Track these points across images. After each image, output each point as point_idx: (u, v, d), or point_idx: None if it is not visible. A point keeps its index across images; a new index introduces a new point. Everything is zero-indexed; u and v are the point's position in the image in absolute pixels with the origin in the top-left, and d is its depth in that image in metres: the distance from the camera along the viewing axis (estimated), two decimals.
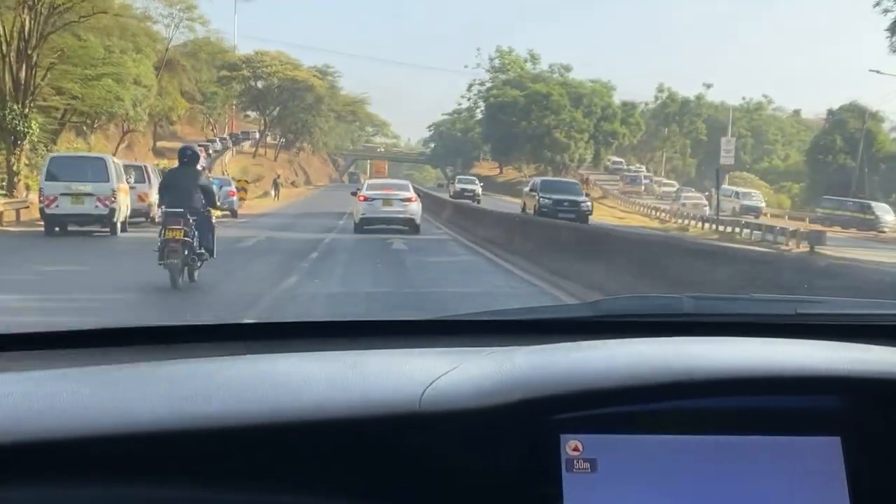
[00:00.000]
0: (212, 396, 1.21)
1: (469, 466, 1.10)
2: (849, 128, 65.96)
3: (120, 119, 50.07)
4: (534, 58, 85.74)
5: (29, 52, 32.81)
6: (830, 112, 70.26)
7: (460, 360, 1.31)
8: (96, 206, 21.91)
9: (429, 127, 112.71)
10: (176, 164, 12.83)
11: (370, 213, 25.64)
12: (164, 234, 11.71)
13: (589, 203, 34.32)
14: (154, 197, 24.35)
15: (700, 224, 43.81)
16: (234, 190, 34.57)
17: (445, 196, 46.39)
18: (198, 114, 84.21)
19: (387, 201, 25.88)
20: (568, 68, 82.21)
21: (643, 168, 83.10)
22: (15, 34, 32.60)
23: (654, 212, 57.22)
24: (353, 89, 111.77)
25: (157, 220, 20.23)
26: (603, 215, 49.45)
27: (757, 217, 44.15)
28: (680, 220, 49.16)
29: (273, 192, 51.14)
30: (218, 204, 13.56)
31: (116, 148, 53.34)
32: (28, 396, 1.24)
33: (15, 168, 31.47)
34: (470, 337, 1.71)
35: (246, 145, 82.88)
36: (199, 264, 12.28)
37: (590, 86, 78.46)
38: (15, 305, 9.85)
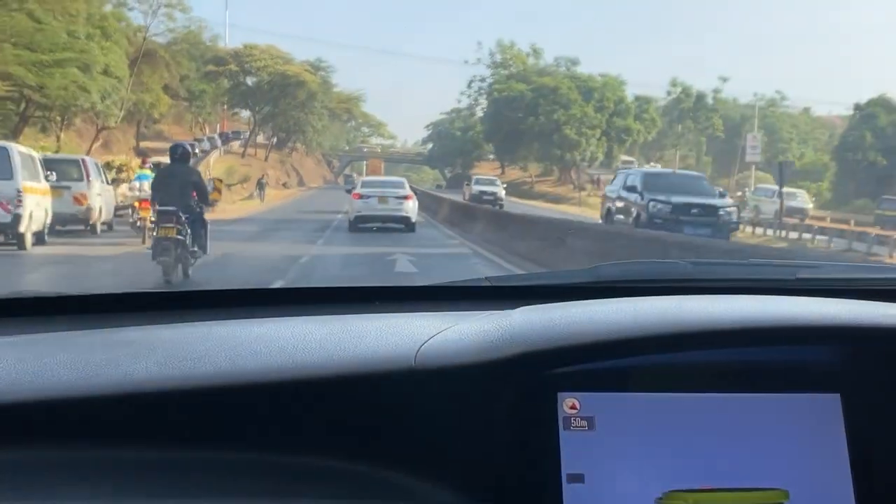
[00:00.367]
0: (207, 357, 1.21)
1: (466, 425, 1.10)
2: (879, 122, 60.72)
3: (89, 113, 44.63)
4: (536, 52, 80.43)
5: None
6: (858, 107, 65.01)
7: (457, 320, 1.30)
8: None
9: (426, 127, 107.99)
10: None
11: (365, 210, 24.99)
12: (157, 232, 11.75)
13: (734, 209, 23.30)
14: (95, 200, 20.53)
15: (752, 229, 38.25)
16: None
17: (454, 197, 41.43)
18: (186, 112, 79.42)
19: (382, 199, 25.21)
20: (575, 62, 76.81)
21: (658, 167, 77.40)
22: None
23: None
24: (348, 86, 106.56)
25: (99, 229, 18.73)
26: None
27: (803, 220, 38.61)
28: None
29: (257, 194, 45.50)
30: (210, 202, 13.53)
31: (90, 147, 48.26)
32: (21, 359, 1.26)
33: None
34: (467, 302, 1.67)
35: (235, 145, 77.59)
36: (192, 262, 12.22)
37: (600, 79, 72.93)
38: None
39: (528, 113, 70.49)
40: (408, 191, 26.46)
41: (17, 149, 17.85)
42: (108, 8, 45.74)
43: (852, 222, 43.73)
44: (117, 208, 24.38)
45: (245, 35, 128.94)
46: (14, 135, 35.33)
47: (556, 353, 1.12)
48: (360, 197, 25.66)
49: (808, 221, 40.76)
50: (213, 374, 1.16)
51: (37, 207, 17.39)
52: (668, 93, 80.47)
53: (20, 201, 16.56)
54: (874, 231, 34.66)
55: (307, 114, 78.12)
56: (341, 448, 1.09)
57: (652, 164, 77.56)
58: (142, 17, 58.39)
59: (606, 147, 71.83)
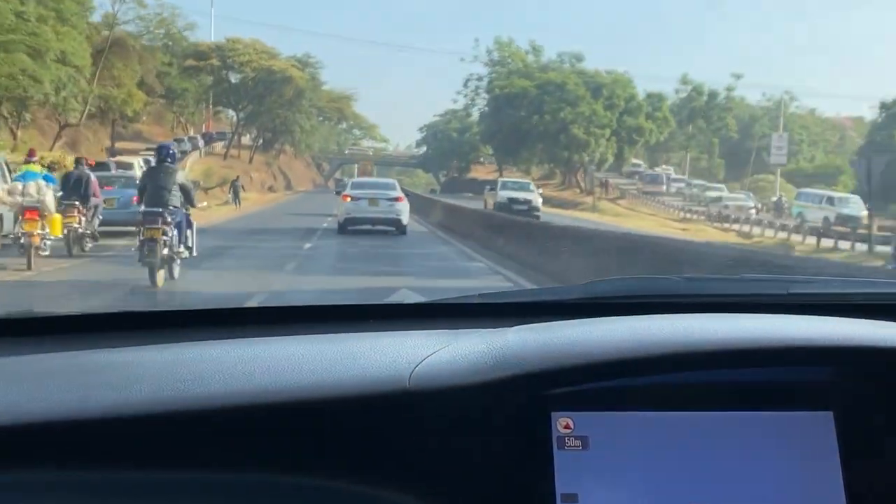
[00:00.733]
0: (201, 379, 1.21)
1: (460, 445, 1.10)
2: None
3: (47, 108, 39.21)
4: (536, 50, 74.95)
5: None
6: (885, 106, 60.05)
7: (450, 340, 1.30)
8: None
9: (420, 129, 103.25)
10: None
11: (355, 212, 24.53)
12: (143, 233, 11.63)
13: None
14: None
15: (815, 239, 32.78)
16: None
17: (461, 203, 35.60)
18: (167, 112, 74.18)
19: (373, 201, 24.63)
20: (579, 58, 71.31)
21: (671, 169, 72.11)
22: None
23: (688, 215, 48.53)
24: (339, 85, 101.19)
25: (11, 237, 15.53)
26: (649, 225, 38.99)
27: (855, 229, 33.23)
28: (768, 232, 37.88)
29: (232, 199, 39.95)
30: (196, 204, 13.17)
31: (52, 145, 42.91)
32: (14, 380, 1.27)
33: None
34: (460, 320, 1.66)
35: (219, 146, 72.03)
36: (178, 262, 12.25)
37: (608, 75, 67.48)
38: None
39: (531, 111, 65.03)
40: (399, 192, 25.70)
41: None
42: None
43: None
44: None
45: (230, 26, 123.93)
46: None
47: (552, 375, 1.13)
48: (350, 199, 24.95)
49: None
50: (206, 397, 1.15)
51: None
52: (677, 91, 75.28)
53: None
54: None
55: (294, 113, 72.59)
56: (337, 469, 1.09)
57: (663, 166, 71.96)
58: (108, 2, 52.61)
59: (616, 148, 66.33)
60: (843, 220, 37.48)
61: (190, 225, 12.66)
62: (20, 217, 14.45)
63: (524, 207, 35.18)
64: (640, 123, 66.00)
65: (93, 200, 16.93)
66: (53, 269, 13.88)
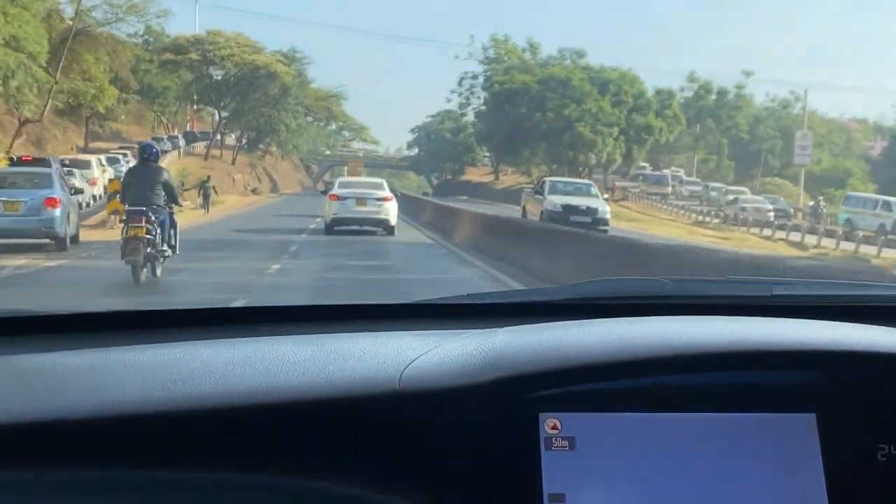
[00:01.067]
0: (191, 380, 1.22)
1: (448, 445, 1.11)
2: None
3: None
4: (533, 47, 70.41)
5: None
6: None
7: (440, 341, 1.31)
8: None
9: (412, 130, 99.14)
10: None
11: (342, 212, 24.01)
12: (126, 231, 11.62)
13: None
14: None
15: (876, 248, 28.12)
16: (57, 198, 17.43)
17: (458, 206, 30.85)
18: (147, 111, 69.60)
19: (360, 200, 24.13)
20: (581, 53, 66.79)
21: (681, 171, 67.44)
22: None
23: (706, 218, 44.57)
24: (327, 83, 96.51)
25: None
26: (676, 232, 34.56)
27: None
28: (823, 242, 32.86)
29: (201, 203, 35.06)
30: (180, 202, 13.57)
31: (11, 143, 38.33)
32: (5, 381, 1.27)
33: None
34: (450, 320, 1.69)
35: (201, 146, 67.39)
36: (161, 261, 12.18)
37: (614, 71, 62.83)
38: None
39: (533, 108, 60.30)
40: (387, 192, 24.96)
41: None
42: None
43: None
44: None
45: (216, 18, 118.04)
46: None
47: (541, 377, 1.14)
48: (337, 198, 24.23)
49: None
50: (196, 397, 1.16)
51: None
52: (682, 89, 70.55)
53: None
54: None
55: (280, 111, 67.93)
56: (326, 470, 1.10)
57: (673, 168, 67.31)
58: None
59: (625, 148, 61.72)
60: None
61: (173, 224, 12.55)
62: None
63: (586, 219, 24.70)
64: (650, 121, 61.26)
65: None
66: None
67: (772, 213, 46.21)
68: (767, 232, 37.97)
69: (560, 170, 56.37)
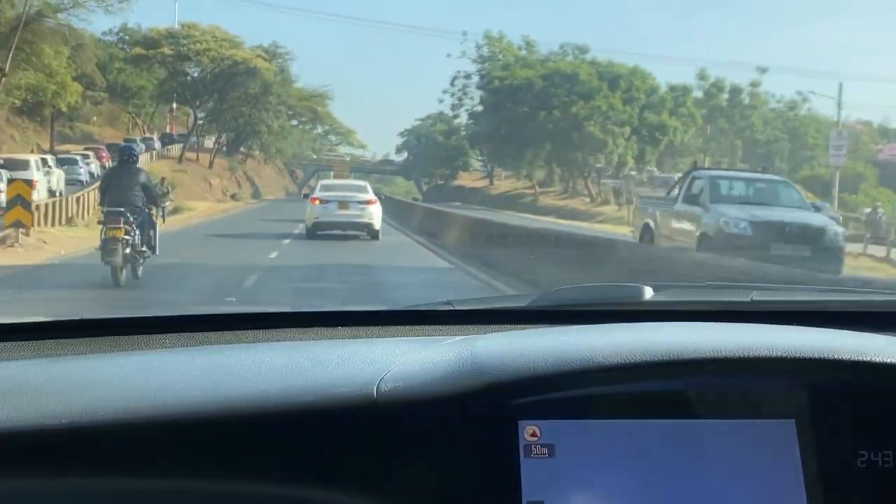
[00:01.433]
0: (167, 388, 1.22)
1: (427, 453, 1.11)
2: None
3: None
4: (529, 45, 65.00)
5: None
6: None
7: (419, 347, 1.31)
8: None
9: (401, 133, 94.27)
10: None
11: (324, 216, 23.15)
12: (106, 232, 11.59)
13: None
14: None
15: None
16: None
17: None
18: (122, 112, 64.42)
19: (343, 204, 23.29)
20: (584, 49, 61.40)
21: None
22: None
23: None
24: (311, 82, 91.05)
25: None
26: None
27: None
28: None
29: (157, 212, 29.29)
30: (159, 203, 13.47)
31: None
32: None
33: None
34: (430, 326, 1.69)
35: (177, 148, 61.88)
36: (141, 262, 12.21)
37: (621, 66, 57.48)
38: None
39: (537, 106, 54.90)
40: (371, 195, 24.29)
41: None
42: None
43: None
44: None
45: (194, 9, 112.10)
46: None
47: (520, 385, 1.13)
48: (319, 202, 23.62)
49: None
50: (174, 406, 1.15)
51: None
52: (690, 87, 64.89)
53: None
54: None
55: (261, 110, 62.38)
56: (304, 477, 1.10)
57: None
58: None
59: (638, 149, 56.33)
60: None
61: (153, 225, 12.64)
62: None
63: (803, 251, 13.92)
64: (664, 120, 55.74)
65: None
66: None
67: None
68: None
69: (567, 173, 51.28)
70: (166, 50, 57.08)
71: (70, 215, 26.68)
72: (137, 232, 11.91)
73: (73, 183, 36.06)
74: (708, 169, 21.58)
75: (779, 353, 1.17)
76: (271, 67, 60.35)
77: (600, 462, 1.11)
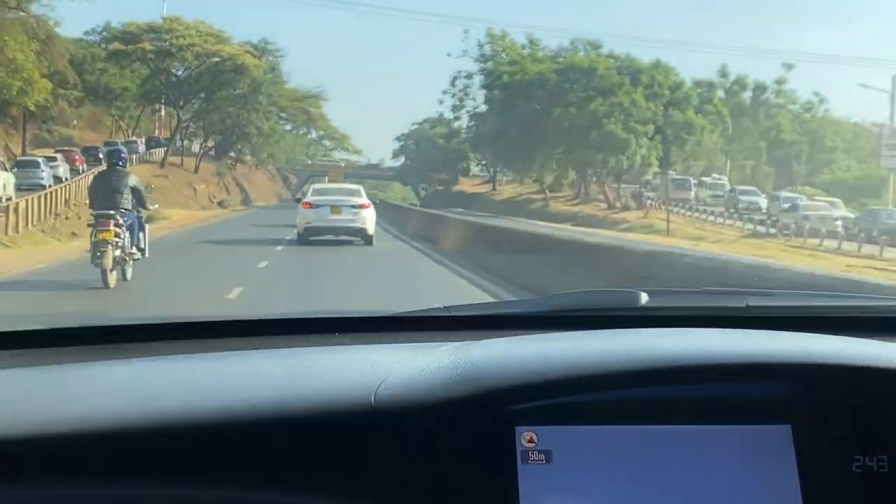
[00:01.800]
0: (165, 395, 1.22)
1: (424, 459, 1.10)
2: None
3: None
4: (534, 44, 60.14)
5: None
6: None
7: (416, 354, 1.31)
8: None
9: (397, 138, 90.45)
10: None
11: (316, 221, 22.31)
12: (96, 235, 11.66)
13: None
14: None
15: None
16: None
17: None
18: (105, 115, 59.90)
19: (335, 208, 22.36)
20: (597, 45, 56.52)
21: (724, 178, 56.86)
22: None
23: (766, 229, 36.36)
24: (304, 82, 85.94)
25: None
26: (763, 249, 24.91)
27: None
28: None
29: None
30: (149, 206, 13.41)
31: None
32: None
33: None
34: (426, 333, 1.68)
35: (161, 152, 56.90)
36: (131, 264, 12.33)
37: (637, 61, 52.44)
38: None
39: (551, 103, 50.03)
40: (364, 199, 23.37)
41: None
42: None
43: None
44: None
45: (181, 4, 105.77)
46: None
47: (517, 391, 1.13)
48: (311, 206, 22.60)
49: None
50: (171, 413, 1.15)
51: None
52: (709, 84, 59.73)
53: None
54: None
55: (250, 111, 57.39)
56: (302, 485, 1.09)
57: (714, 175, 56.84)
58: None
59: (662, 149, 51.22)
60: None
61: (142, 227, 12.66)
62: None
63: None
64: (690, 118, 50.91)
65: None
66: None
67: (839, 223, 37.58)
68: (832, 244, 31.89)
69: (580, 177, 46.32)
70: (147, 45, 52.24)
71: None
72: (127, 234, 11.92)
73: (32, 188, 31.60)
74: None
75: (774, 359, 1.18)
76: (260, 64, 55.52)
77: (598, 468, 1.11)
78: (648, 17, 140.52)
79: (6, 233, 23.16)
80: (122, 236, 11.75)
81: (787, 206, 43.05)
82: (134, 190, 12.20)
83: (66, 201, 32.94)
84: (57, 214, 30.42)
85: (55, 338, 1.62)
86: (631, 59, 53.15)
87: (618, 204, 51.65)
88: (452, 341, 1.41)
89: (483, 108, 60.22)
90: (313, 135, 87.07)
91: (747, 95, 58.83)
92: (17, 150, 45.96)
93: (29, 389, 1.28)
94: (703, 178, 53.32)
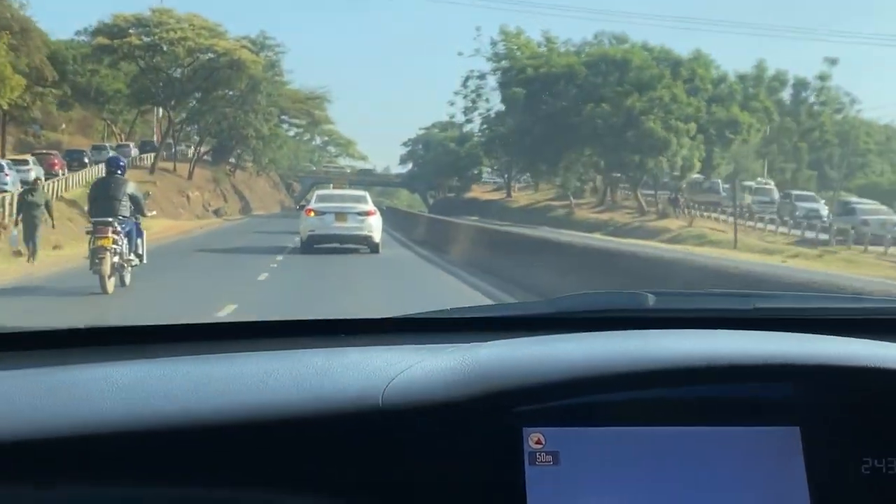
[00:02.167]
0: (171, 396, 1.21)
1: (432, 460, 1.10)
2: None
3: None
4: (550, 42, 55.06)
5: None
6: None
7: (422, 356, 1.30)
8: None
9: (405, 143, 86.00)
10: None
11: (320, 229, 21.48)
12: (94, 242, 11.82)
13: None
14: None
15: None
16: None
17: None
18: (96, 119, 55.51)
19: (340, 216, 21.54)
20: (623, 39, 51.35)
21: (771, 182, 51.48)
22: None
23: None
24: (307, 83, 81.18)
25: None
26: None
27: None
28: None
29: (17, 240, 18.11)
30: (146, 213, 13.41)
31: None
32: None
33: None
34: (433, 334, 1.66)
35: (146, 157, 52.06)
36: (128, 270, 12.48)
37: (677, 53, 47.25)
38: None
39: (581, 99, 44.82)
40: (370, 206, 22.36)
41: None
42: None
43: None
44: None
45: None
46: None
47: (524, 392, 1.12)
48: (315, 213, 21.81)
49: None
50: (178, 414, 1.14)
51: None
52: (741, 78, 54.36)
53: None
54: None
55: (247, 112, 52.35)
56: (310, 486, 1.09)
57: (759, 179, 51.41)
58: None
59: (705, 150, 45.75)
60: None
61: (140, 234, 12.79)
62: None
63: None
64: (735, 115, 45.63)
65: None
66: None
67: None
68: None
69: (610, 181, 40.96)
70: (134, 39, 47.26)
71: None
72: (125, 241, 12.09)
73: None
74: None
75: (782, 361, 1.16)
76: (259, 61, 50.48)
77: (605, 470, 1.10)
78: None
79: None
80: (120, 243, 11.90)
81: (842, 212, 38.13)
82: (132, 197, 12.37)
83: None
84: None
85: (62, 339, 1.61)
86: (667, 51, 47.95)
87: (651, 211, 46.40)
88: (459, 343, 1.39)
89: (498, 108, 55.30)
90: (317, 141, 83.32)
91: (787, 93, 53.53)
92: None
93: (33, 391, 1.26)
94: (747, 183, 48.03)
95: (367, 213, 21.94)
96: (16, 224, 18.18)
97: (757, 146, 50.91)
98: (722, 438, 1.12)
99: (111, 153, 48.26)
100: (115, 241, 11.67)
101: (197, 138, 57.76)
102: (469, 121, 63.41)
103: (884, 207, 38.79)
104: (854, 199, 42.06)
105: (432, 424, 1.09)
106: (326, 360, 1.37)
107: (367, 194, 24.88)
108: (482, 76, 58.00)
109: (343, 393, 1.16)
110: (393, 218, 33.71)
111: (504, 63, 54.58)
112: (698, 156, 45.17)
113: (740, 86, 47.63)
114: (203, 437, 1.09)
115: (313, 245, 21.25)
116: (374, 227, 21.79)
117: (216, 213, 50.46)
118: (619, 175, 48.85)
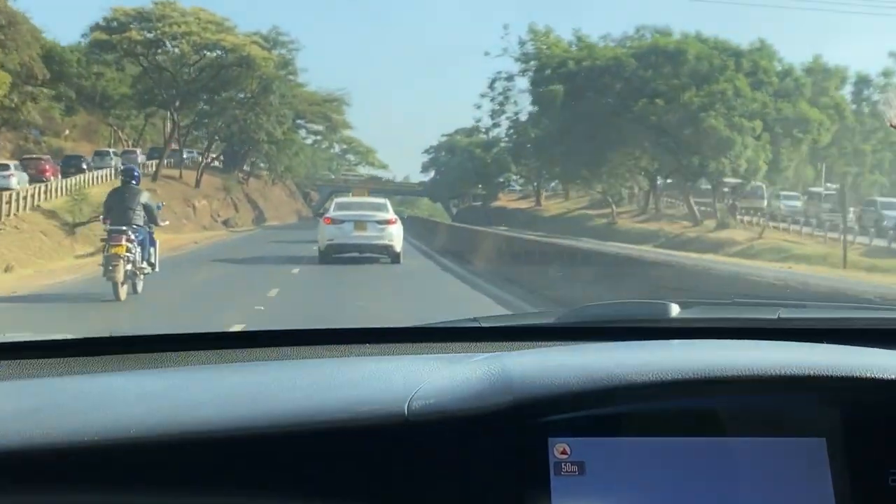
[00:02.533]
0: (195, 405, 1.22)
1: (457, 470, 1.09)
2: None
3: None
4: (581, 40, 50.16)
5: None
6: None
7: (448, 365, 1.31)
8: None
9: (426, 150, 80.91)
10: None
11: (339, 238, 20.68)
12: (108, 249, 12.16)
13: None
14: None
15: None
16: None
17: None
18: (101, 124, 51.36)
19: (360, 224, 20.74)
20: (666, 33, 46.28)
21: (833, 189, 46.31)
22: None
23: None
24: (324, 85, 76.57)
25: None
26: None
27: None
28: None
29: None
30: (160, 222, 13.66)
31: None
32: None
33: None
34: (458, 343, 1.68)
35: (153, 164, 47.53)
36: (141, 278, 12.70)
37: (735, 44, 42.02)
38: None
39: (630, 94, 39.87)
40: (391, 214, 21.69)
41: None
42: None
43: None
44: None
45: None
46: None
47: (550, 402, 1.11)
48: (333, 222, 21.03)
49: None
50: (202, 423, 1.13)
51: None
52: (793, 76, 48.98)
53: None
54: None
55: (259, 114, 47.69)
56: (334, 496, 1.08)
57: (827, 185, 46.15)
58: None
59: (772, 152, 40.27)
60: None
61: (153, 242, 13.03)
62: None
63: None
64: (805, 112, 40.28)
65: None
66: None
67: None
68: None
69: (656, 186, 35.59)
70: (134, 35, 42.78)
71: None
72: (138, 249, 12.30)
73: None
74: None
75: (808, 372, 1.14)
76: (271, 58, 46.00)
77: (631, 480, 1.09)
78: None
79: None
80: (134, 251, 12.19)
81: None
82: (146, 206, 12.67)
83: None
84: None
85: (86, 346, 1.60)
86: (723, 42, 42.70)
87: (708, 220, 41.31)
88: (484, 352, 1.38)
89: (529, 110, 50.56)
90: (336, 148, 78.93)
91: (847, 90, 48.27)
92: None
93: (58, 398, 1.26)
94: (816, 189, 42.91)
95: (388, 222, 21.26)
96: None
97: (823, 147, 45.76)
98: (747, 449, 1.10)
99: (114, 159, 44.96)
100: (128, 249, 11.97)
101: (205, 143, 53.26)
102: (496, 125, 58.85)
103: None
104: None
105: (457, 434, 1.08)
106: (352, 369, 1.35)
107: (387, 202, 23.81)
108: (510, 77, 53.39)
109: (369, 401, 1.15)
110: (413, 227, 31.41)
111: (533, 63, 49.86)
112: (764, 157, 39.85)
113: (809, 79, 42.33)
114: (228, 446, 1.08)
115: (332, 255, 20.54)
116: (395, 235, 21.09)
117: (225, 223, 46.10)
118: (670, 181, 43.76)
